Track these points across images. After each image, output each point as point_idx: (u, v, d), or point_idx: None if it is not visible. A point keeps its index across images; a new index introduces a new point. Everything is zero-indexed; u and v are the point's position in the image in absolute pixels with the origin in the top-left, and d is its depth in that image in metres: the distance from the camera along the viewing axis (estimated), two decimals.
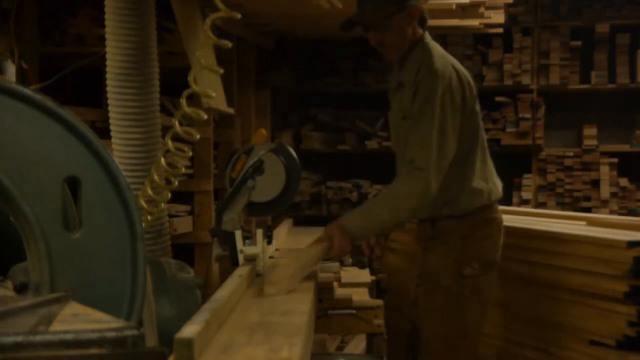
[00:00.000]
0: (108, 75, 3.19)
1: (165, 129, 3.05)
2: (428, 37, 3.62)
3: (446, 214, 3.59)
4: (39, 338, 1.33)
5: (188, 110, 2.78)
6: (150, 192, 2.93)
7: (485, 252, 3.62)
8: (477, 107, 3.64)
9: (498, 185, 3.73)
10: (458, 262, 3.58)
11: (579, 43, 7.55)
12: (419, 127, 3.46)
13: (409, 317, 3.80)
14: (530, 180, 7.63)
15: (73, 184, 1.95)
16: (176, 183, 3.04)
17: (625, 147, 7.61)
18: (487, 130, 7.53)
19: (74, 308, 1.57)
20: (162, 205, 3.10)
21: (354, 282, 4.16)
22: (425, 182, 3.41)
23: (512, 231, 4.22)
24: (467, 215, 3.60)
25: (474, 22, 6.24)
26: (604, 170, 7.51)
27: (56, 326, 1.43)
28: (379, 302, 3.90)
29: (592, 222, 4.37)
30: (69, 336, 1.35)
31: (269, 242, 3.89)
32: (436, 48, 3.58)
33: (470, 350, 3.69)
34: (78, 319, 1.49)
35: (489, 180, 3.70)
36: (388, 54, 3.64)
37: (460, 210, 3.60)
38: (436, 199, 3.47)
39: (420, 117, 3.46)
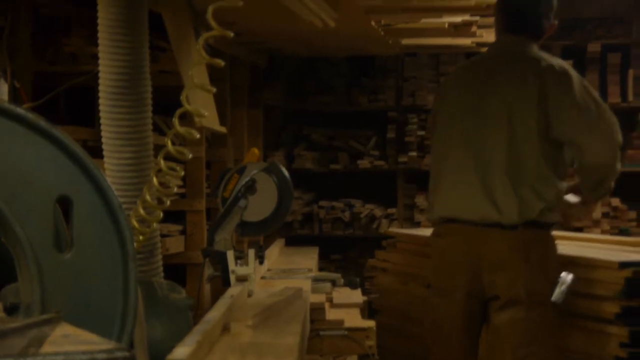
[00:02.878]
0: (101, 94, 3.18)
1: (158, 148, 3.05)
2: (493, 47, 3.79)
3: None
4: None
5: (180, 129, 2.78)
6: (142, 211, 2.92)
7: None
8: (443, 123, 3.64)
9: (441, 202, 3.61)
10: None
11: (570, 62, 7.55)
12: None
13: None
14: None
15: (65, 204, 1.94)
16: (168, 203, 3.03)
17: None
18: None
19: (64, 329, 1.56)
20: (154, 225, 3.09)
21: (346, 302, 4.15)
22: None
23: None
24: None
25: (466, 41, 6.26)
26: None
27: (47, 348, 1.42)
28: (371, 323, 3.90)
29: (583, 242, 4.37)
30: (59, 358, 1.34)
31: (261, 262, 3.89)
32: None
33: None
34: (69, 341, 1.48)
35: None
36: None
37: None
38: None
39: None
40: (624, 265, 3.51)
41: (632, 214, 7.52)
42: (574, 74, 3.55)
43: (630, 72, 7.49)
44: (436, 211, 3.61)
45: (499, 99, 3.51)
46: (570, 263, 3.79)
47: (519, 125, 3.48)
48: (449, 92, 3.68)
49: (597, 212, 7.45)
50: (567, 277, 3.48)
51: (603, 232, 7.34)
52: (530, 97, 3.49)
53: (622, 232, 7.34)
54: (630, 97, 7.49)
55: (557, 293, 3.46)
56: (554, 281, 3.48)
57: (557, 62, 3.69)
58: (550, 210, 3.50)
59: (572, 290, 3.49)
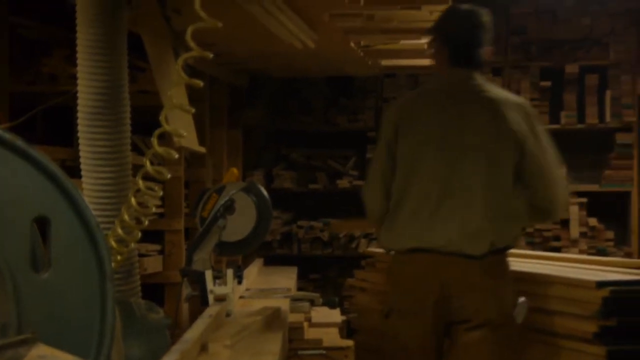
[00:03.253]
0: (79, 114, 3.18)
1: (136, 168, 3.04)
2: (437, 79, 3.75)
3: None
4: None
5: (159, 149, 2.78)
6: (120, 231, 2.92)
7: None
8: (412, 155, 3.59)
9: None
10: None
11: (548, 83, 7.62)
12: None
13: None
14: None
15: (42, 224, 1.93)
16: (146, 222, 3.02)
17: (595, 187, 7.66)
18: None
19: (41, 350, 1.55)
20: (132, 245, 3.08)
21: (325, 322, 4.16)
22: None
23: None
24: None
25: None
26: (574, 210, 7.54)
27: None
28: (350, 342, 3.91)
29: (561, 262, 4.39)
30: None
31: (240, 282, 3.89)
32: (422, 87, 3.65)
33: None
34: None
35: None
36: None
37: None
38: None
39: None
40: (601, 284, 3.52)
41: (610, 234, 7.57)
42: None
43: (608, 93, 7.55)
44: (405, 242, 3.54)
45: (475, 134, 3.53)
46: (548, 282, 3.81)
47: (495, 161, 3.51)
48: (413, 123, 3.59)
49: (575, 231, 7.49)
50: (522, 298, 3.55)
51: (581, 251, 7.37)
52: (508, 136, 3.54)
53: (600, 251, 7.38)
54: (608, 118, 7.55)
55: (517, 313, 3.52)
56: (515, 301, 3.52)
57: (523, 100, 3.83)
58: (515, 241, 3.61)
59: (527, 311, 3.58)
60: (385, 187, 3.58)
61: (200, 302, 3.42)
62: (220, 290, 3.35)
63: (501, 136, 3.53)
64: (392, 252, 3.64)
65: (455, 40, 3.68)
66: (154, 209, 3.04)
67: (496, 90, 3.71)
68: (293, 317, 3.81)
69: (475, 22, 3.71)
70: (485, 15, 3.76)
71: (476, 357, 3.54)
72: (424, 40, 5.30)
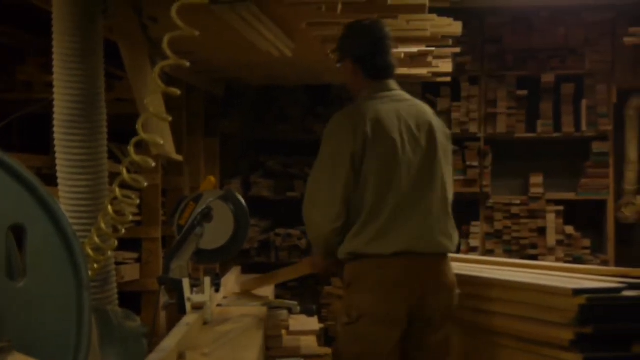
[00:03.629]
0: (55, 122, 3.17)
1: (113, 176, 3.03)
2: (371, 96, 3.72)
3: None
4: None
5: (136, 157, 2.77)
6: (96, 240, 2.91)
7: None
8: (380, 169, 3.63)
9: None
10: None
11: (525, 92, 7.66)
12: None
13: None
14: (477, 228, 7.69)
15: (18, 232, 1.92)
16: (123, 230, 3.02)
17: (571, 196, 7.71)
18: None
19: (16, 358, 1.55)
20: (109, 253, 3.07)
21: (302, 330, 4.15)
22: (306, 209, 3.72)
23: (459, 278, 4.24)
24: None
25: (423, 71, 6.31)
26: (550, 218, 7.59)
27: None
28: (328, 350, 3.90)
29: (538, 270, 4.40)
30: None
31: (217, 290, 3.87)
32: (361, 105, 3.71)
33: None
34: None
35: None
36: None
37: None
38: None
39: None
40: (577, 292, 3.54)
41: (586, 242, 7.62)
42: None
43: (584, 102, 7.60)
44: (388, 247, 3.57)
45: (426, 141, 3.71)
46: (524, 290, 3.83)
47: (443, 171, 3.74)
48: (382, 136, 3.62)
49: (552, 239, 7.53)
50: None
51: (557, 259, 7.42)
52: (447, 149, 3.84)
53: (576, 259, 7.42)
54: (584, 127, 7.61)
55: None
56: None
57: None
58: None
59: None
60: (347, 199, 3.62)
61: (178, 310, 3.41)
62: (197, 298, 3.34)
63: (439, 145, 3.74)
64: (351, 261, 3.64)
65: (379, 53, 3.76)
66: (130, 217, 3.02)
67: (417, 100, 3.92)
68: (271, 325, 3.80)
69: (383, 33, 3.80)
70: (386, 26, 3.86)
71: (442, 357, 3.72)
72: (402, 49, 5.32)
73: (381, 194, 3.60)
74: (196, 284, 3.55)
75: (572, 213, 7.68)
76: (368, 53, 3.74)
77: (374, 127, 3.61)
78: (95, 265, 2.95)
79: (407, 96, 3.83)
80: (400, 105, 3.74)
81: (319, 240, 3.78)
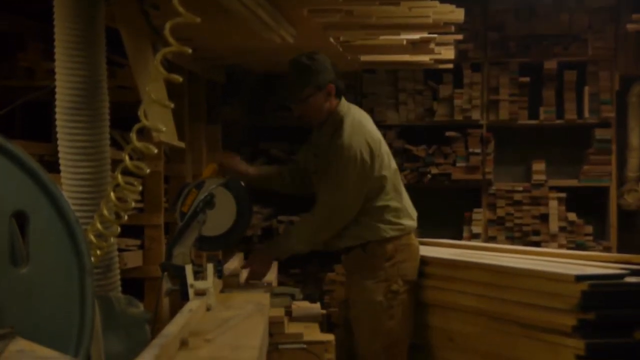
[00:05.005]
0: (57, 109, 3.16)
1: (115, 163, 3.03)
2: (343, 106, 4.31)
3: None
4: None
5: (138, 144, 2.77)
6: (99, 226, 2.91)
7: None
8: (387, 164, 4.38)
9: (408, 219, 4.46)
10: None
11: (527, 79, 7.65)
12: (327, 186, 4.26)
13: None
14: (480, 215, 7.69)
15: (21, 219, 1.93)
16: (126, 217, 3.01)
17: (574, 182, 7.71)
18: (437, 164, 7.61)
19: (20, 344, 1.55)
20: (112, 239, 3.07)
21: (305, 316, 4.16)
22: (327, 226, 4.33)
23: (462, 265, 4.26)
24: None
25: (425, 58, 6.31)
26: (553, 205, 7.59)
27: None
28: (330, 336, 3.91)
29: (540, 256, 4.40)
30: None
31: (220, 277, 3.88)
32: (350, 119, 4.26)
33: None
34: (24, 356, 1.48)
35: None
36: (308, 123, 4.38)
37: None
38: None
39: (329, 176, 4.24)
40: (580, 278, 3.54)
41: (588, 229, 7.62)
42: None
43: (586, 89, 7.59)
44: (412, 223, 4.46)
45: None
46: (527, 276, 3.83)
47: None
48: (380, 143, 4.36)
49: (554, 226, 7.53)
50: None
51: (560, 246, 7.42)
52: None
53: (579, 246, 7.42)
54: (586, 114, 7.60)
55: None
56: None
57: None
58: None
59: None
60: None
61: (181, 296, 3.41)
62: (200, 284, 3.34)
63: None
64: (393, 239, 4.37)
65: (336, 76, 4.26)
66: (133, 204, 3.02)
67: None
68: (273, 312, 3.80)
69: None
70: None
71: None
72: (404, 36, 5.31)
73: (394, 184, 4.38)
74: (199, 271, 3.55)
75: (575, 200, 7.67)
76: (335, 75, 4.23)
77: (380, 139, 4.32)
78: (98, 252, 2.95)
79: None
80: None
81: (304, 249, 4.46)
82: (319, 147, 4.39)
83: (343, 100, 4.32)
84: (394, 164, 4.48)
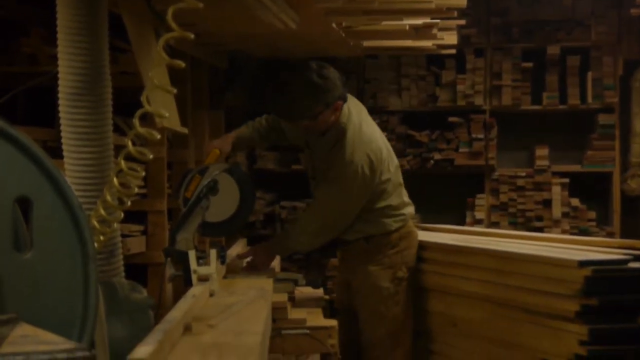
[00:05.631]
0: (60, 95, 3.16)
1: (118, 148, 3.03)
2: (344, 114, 4.26)
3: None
4: None
5: (141, 130, 2.77)
6: (102, 212, 2.91)
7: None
8: (387, 167, 4.37)
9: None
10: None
11: (530, 64, 7.63)
12: (328, 192, 4.27)
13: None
14: (483, 200, 7.69)
15: (24, 204, 1.93)
16: (129, 203, 3.02)
17: (577, 168, 7.70)
18: (440, 150, 7.60)
19: (23, 330, 1.55)
20: (115, 225, 3.08)
21: (308, 302, 4.16)
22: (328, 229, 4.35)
23: (465, 250, 4.26)
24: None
25: (427, 43, 6.29)
26: (556, 190, 7.58)
27: (6, 348, 1.42)
28: (333, 322, 3.92)
29: (544, 242, 4.40)
30: (18, 358, 1.34)
31: (223, 262, 3.88)
32: (351, 131, 4.24)
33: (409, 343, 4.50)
34: (28, 341, 1.48)
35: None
36: (313, 134, 4.32)
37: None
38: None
39: (327, 182, 4.26)
40: (583, 264, 3.54)
41: (592, 214, 7.61)
42: None
43: (589, 75, 7.57)
44: (411, 209, 4.55)
45: None
46: (530, 262, 3.83)
47: None
48: (381, 151, 4.34)
49: (557, 212, 7.53)
50: None
51: (563, 231, 7.42)
52: None
53: (582, 231, 7.42)
54: (590, 99, 7.58)
55: None
56: None
57: None
58: None
59: None
60: None
61: (184, 282, 3.41)
62: (203, 270, 3.34)
63: None
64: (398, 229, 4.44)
65: (342, 85, 4.21)
66: (136, 190, 3.02)
67: None
68: (276, 297, 3.81)
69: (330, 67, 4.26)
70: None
71: None
72: (406, 22, 5.30)
73: (397, 179, 4.47)
74: (202, 256, 3.56)
75: (578, 185, 7.67)
76: (343, 86, 4.20)
77: (380, 147, 4.31)
78: (101, 237, 2.96)
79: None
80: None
81: (304, 250, 4.77)
82: (316, 153, 4.40)
83: (344, 106, 4.28)
84: (395, 160, 4.51)
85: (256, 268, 4.30)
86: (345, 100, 4.23)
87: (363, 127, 4.31)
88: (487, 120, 7.66)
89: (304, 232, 4.36)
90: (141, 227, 4.76)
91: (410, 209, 4.54)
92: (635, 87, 7.61)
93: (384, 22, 5.38)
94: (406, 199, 4.54)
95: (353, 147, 4.20)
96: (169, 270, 3.60)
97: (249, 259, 4.38)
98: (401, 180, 4.54)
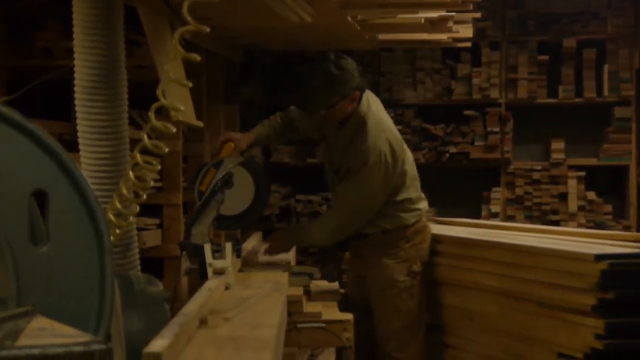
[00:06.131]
0: (76, 89, 3.16)
1: (134, 142, 3.03)
2: (363, 105, 4.30)
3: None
4: (4, 353, 1.32)
5: (157, 123, 2.77)
6: (118, 205, 2.91)
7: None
8: (406, 158, 4.45)
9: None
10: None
11: (546, 57, 7.61)
12: (347, 183, 4.28)
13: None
14: (498, 194, 7.67)
15: (40, 198, 1.93)
16: (144, 196, 3.02)
17: (593, 161, 7.67)
18: (455, 144, 7.59)
19: (40, 322, 1.56)
20: (131, 218, 3.08)
21: (323, 295, 4.17)
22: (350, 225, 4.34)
23: (481, 244, 4.25)
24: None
25: (443, 37, 6.27)
26: (572, 183, 7.56)
27: (22, 341, 1.42)
28: (349, 315, 3.92)
29: (559, 235, 4.39)
30: (35, 351, 1.34)
31: (238, 255, 3.89)
32: (371, 120, 4.27)
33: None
34: (45, 334, 1.48)
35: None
36: (331, 125, 4.39)
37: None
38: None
39: (350, 176, 4.26)
40: (599, 257, 3.53)
41: (608, 207, 7.58)
42: None
43: (606, 68, 7.54)
44: (426, 204, 4.58)
45: None
46: (546, 256, 3.82)
47: None
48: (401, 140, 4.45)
49: (574, 205, 7.51)
50: None
51: (579, 225, 7.40)
52: None
53: (598, 225, 7.40)
54: (606, 92, 7.55)
55: None
56: None
57: None
58: None
59: None
60: None
61: (200, 275, 3.42)
62: (219, 263, 3.35)
63: None
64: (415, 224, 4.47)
65: (359, 76, 4.27)
66: (152, 183, 3.02)
67: None
68: (292, 291, 3.81)
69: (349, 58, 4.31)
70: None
71: None
72: (422, 15, 5.28)
73: (413, 170, 4.51)
74: (217, 250, 3.56)
75: (594, 179, 7.64)
76: (360, 77, 4.25)
77: (397, 139, 4.36)
78: (117, 231, 2.96)
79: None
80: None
81: (324, 244, 4.80)
82: (335, 145, 4.42)
83: (362, 98, 4.32)
84: (409, 153, 4.55)
85: (274, 250, 4.39)
86: (363, 90, 4.26)
87: (383, 116, 4.37)
88: (503, 113, 7.64)
89: (326, 227, 4.39)
90: (157, 221, 4.77)
91: (425, 204, 4.57)
92: None
93: (400, 15, 5.37)
94: (421, 193, 4.55)
95: (374, 135, 4.24)
96: (185, 264, 3.61)
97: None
98: (417, 174, 4.56)
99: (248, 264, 4.19)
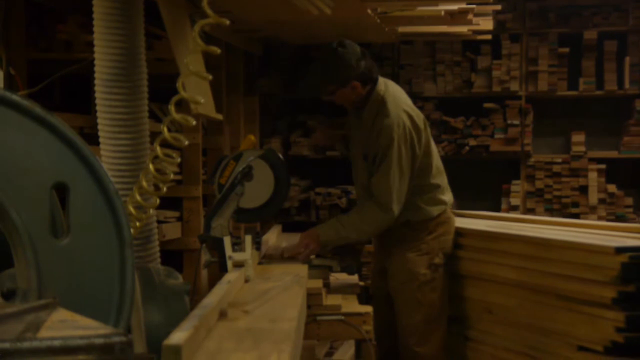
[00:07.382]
0: (96, 82, 3.18)
1: (154, 135, 3.04)
2: (380, 88, 4.32)
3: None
4: (26, 345, 1.33)
5: (176, 116, 2.78)
6: (138, 198, 2.92)
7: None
8: (429, 136, 4.46)
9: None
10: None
11: (566, 50, 7.57)
12: (380, 171, 4.23)
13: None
14: (518, 187, 7.65)
15: (61, 191, 1.94)
16: (165, 189, 3.02)
17: (614, 154, 7.64)
18: (475, 136, 7.57)
19: (61, 314, 1.56)
20: (151, 211, 3.09)
21: (343, 288, 4.17)
22: (388, 215, 4.26)
23: (501, 237, 4.24)
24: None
25: (463, 29, 6.26)
26: (592, 176, 7.53)
27: (44, 333, 1.43)
28: (368, 308, 3.92)
29: (580, 228, 4.37)
30: (56, 343, 1.35)
31: (258, 248, 3.89)
32: (390, 97, 4.29)
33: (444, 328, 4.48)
34: (66, 326, 1.48)
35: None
36: (351, 110, 4.47)
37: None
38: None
39: (381, 163, 4.22)
40: (620, 250, 3.51)
41: (629, 200, 7.55)
42: None
43: (627, 60, 7.50)
44: (451, 197, 4.59)
45: None
46: (566, 248, 3.81)
47: None
48: (423, 122, 4.41)
49: (594, 198, 7.48)
50: None
51: (599, 218, 7.37)
52: None
53: (619, 218, 7.37)
54: (627, 85, 7.51)
55: None
56: None
57: None
58: None
59: None
60: None
61: (219, 268, 3.43)
62: (238, 256, 3.36)
63: None
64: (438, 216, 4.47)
65: (365, 63, 4.28)
66: (172, 176, 3.03)
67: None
68: (311, 283, 3.82)
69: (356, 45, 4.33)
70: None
71: None
72: (442, 7, 5.27)
73: (438, 161, 4.50)
74: (237, 242, 3.57)
75: (614, 171, 7.61)
76: (365, 63, 4.26)
77: (419, 114, 4.37)
78: (138, 224, 2.97)
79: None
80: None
81: (361, 240, 4.67)
82: (358, 131, 4.43)
83: (380, 81, 4.34)
84: (434, 147, 4.56)
85: (299, 254, 4.23)
86: (367, 81, 4.28)
87: (401, 95, 4.42)
88: (523, 106, 7.61)
89: (368, 223, 4.36)
90: (177, 214, 4.78)
91: (450, 196, 4.57)
92: None
93: (419, 8, 5.36)
94: (447, 186, 4.57)
95: (393, 107, 4.27)
96: (204, 256, 3.62)
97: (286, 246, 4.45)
98: (442, 166, 4.56)
99: (267, 257, 4.20)
